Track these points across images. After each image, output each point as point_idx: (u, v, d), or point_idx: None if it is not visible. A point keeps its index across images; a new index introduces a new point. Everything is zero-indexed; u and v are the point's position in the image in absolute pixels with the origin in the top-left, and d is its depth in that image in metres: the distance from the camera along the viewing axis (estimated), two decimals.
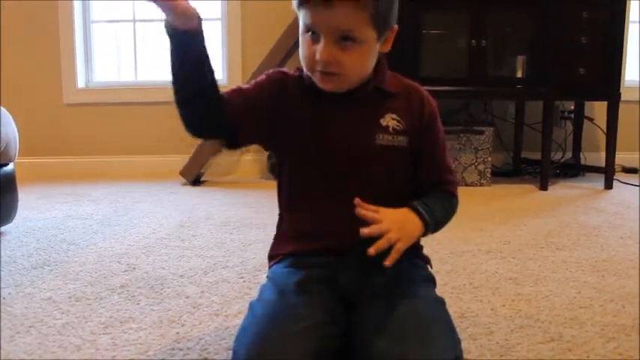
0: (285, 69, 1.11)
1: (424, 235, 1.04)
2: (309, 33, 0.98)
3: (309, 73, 1.03)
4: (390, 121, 1.04)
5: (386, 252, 1.01)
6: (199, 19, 0.99)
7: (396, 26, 1.04)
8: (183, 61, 0.99)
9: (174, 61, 0.99)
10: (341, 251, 1.04)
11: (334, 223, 1.04)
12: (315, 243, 1.06)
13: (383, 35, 1.01)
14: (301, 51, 1.02)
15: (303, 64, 1.03)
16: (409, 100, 1.07)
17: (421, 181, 1.09)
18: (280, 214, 1.14)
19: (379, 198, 1.02)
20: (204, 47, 1.00)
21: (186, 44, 0.98)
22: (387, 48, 1.04)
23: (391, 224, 0.95)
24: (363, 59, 1.00)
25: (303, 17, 0.99)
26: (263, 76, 1.09)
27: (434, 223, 1.03)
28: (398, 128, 1.04)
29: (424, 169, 1.08)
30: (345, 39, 0.96)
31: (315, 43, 0.97)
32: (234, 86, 1.07)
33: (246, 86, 1.08)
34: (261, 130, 1.07)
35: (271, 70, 1.10)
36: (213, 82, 1.02)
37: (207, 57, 1.01)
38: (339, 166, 1.04)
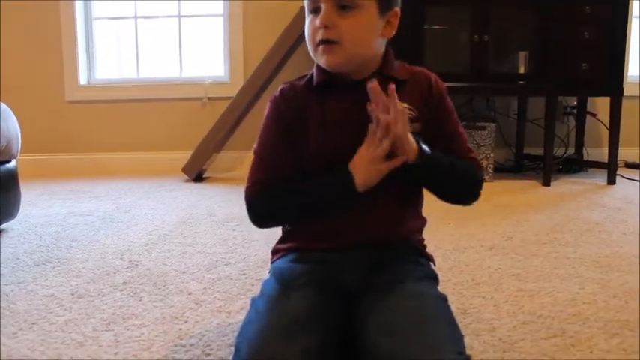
0: (284, 84, 1.11)
1: (416, 165, 1.00)
2: (312, 13, 1.02)
3: (314, 56, 1.04)
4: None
5: (387, 251, 1.02)
6: None
7: (398, 9, 1.05)
8: (328, 212, 1.06)
9: (321, 209, 1.06)
10: (344, 248, 1.04)
11: (340, 220, 1.04)
12: (319, 239, 1.06)
13: (384, 10, 1.02)
14: (306, 32, 1.04)
15: (309, 46, 1.04)
16: (417, 86, 1.07)
17: None
18: None
19: (390, 191, 1.03)
20: None
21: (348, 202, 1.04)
22: (391, 33, 1.05)
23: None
24: (362, 28, 1.01)
25: None
26: (271, 110, 1.09)
27: (429, 158, 1.01)
28: (410, 116, 1.03)
29: (441, 148, 1.06)
30: (344, 7, 0.99)
31: (317, 19, 1.00)
32: (261, 160, 1.09)
33: (269, 145, 1.08)
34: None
35: (272, 96, 1.10)
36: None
37: None
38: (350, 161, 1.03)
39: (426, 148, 1.01)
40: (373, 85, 0.96)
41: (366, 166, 1.00)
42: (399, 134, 0.96)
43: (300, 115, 1.06)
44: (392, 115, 0.95)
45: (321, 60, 1.03)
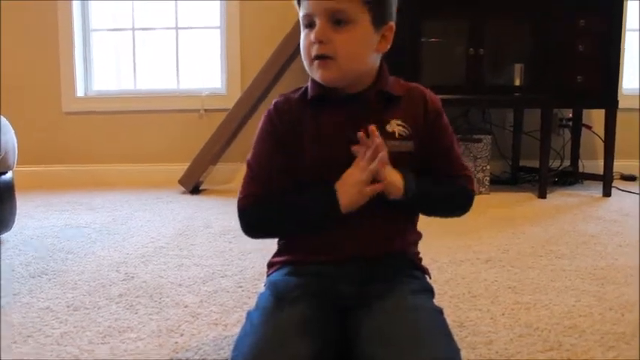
0: (278, 97, 1.12)
1: (403, 201, 1.02)
2: (307, 28, 1.02)
3: (309, 70, 1.05)
4: (395, 127, 1.05)
5: (383, 264, 1.02)
6: None
7: (392, 23, 1.05)
8: (315, 229, 1.06)
9: (309, 226, 1.07)
10: (340, 261, 1.04)
11: (336, 234, 1.04)
12: (314, 252, 1.06)
13: (379, 24, 1.02)
14: (301, 47, 1.05)
15: (304, 60, 1.05)
16: (412, 102, 1.07)
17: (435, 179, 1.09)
18: None
19: (384, 206, 1.03)
20: None
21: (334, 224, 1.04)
22: (386, 47, 1.06)
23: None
24: (356, 43, 1.01)
25: (301, 11, 1.03)
26: (265, 122, 1.10)
27: (414, 195, 1.03)
28: (404, 134, 1.04)
29: (436, 167, 1.09)
30: (338, 22, 0.99)
31: (311, 33, 1.01)
32: (255, 175, 1.09)
33: (262, 157, 1.09)
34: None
35: (267, 111, 1.11)
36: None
37: None
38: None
39: (412, 184, 1.02)
40: (372, 128, 0.98)
41: (351, 188, 1.01)
42: (385, 176, 0.99)
43: (295, 128, 1.06)
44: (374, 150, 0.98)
45: (316, 74, 1.03)
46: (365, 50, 1.03)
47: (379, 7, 1.02)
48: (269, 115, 1.10)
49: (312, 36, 1.00)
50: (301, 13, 1.03)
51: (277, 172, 1.07)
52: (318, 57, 1.01)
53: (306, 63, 1.05)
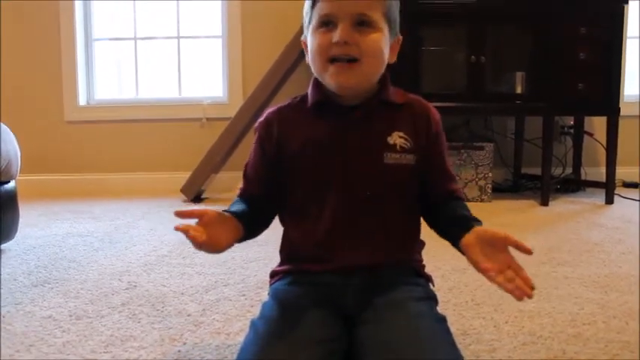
0: (270, 108, 1.12)
1: None
2: (322, 27, 1.00)
3: (321, 72, 1.03)
4: (397, 139, 1.04)
5: (385, 273, 1.03)
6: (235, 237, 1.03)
7: (400, 36, 1.07)
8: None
9: None
10: (344, 270, 1.04)
11: (339, 244, 1.04)
12: (316, 262, 1.06)
13: (392, 35, 1.04)
14: (314, 46, 1.02)
15: (314, 61, 1.03)
16: (414, 116, 1.07)
17: (431, 193, 1.10)
18: (284, 233, 1.14)
19: (386, 216, 1.03)
20: (244, 235, 1.05)
21: None
22: (393, 58, 1.07)
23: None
24: (379, 46, 1.01)
25: (318, 11, 1.00)
26: (255, 132, 1.12)
27: None
28: (405, 146, 1.04)
29: (434, 181, 1.09)
30: (361, 24, 0.98)
31: (330, 33, 0.99)
32: (244, 173, 1.16)
33: (251, 161, 1.14)
34: (282, 172, 1.09)
35: (257, 122, 1.12)
36: (254, 227, 1.09)
37: (247, 232, 1.05)
38: (346, 186, 1.04)
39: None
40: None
41: None
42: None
43: (287, 136, 1.07)
44: None
45: (329, 77, 1.01)
46: (384, 57, 1.03)
47: (394, 19, 1.04)
48: (258, 127, 1.11)
49: (337, 36, 0.97)
50: (318, 12, 1.00)
51: (258, 182, 1.11)
52: (340, 59, 0.99)
53: (318, 63, 1.02)
